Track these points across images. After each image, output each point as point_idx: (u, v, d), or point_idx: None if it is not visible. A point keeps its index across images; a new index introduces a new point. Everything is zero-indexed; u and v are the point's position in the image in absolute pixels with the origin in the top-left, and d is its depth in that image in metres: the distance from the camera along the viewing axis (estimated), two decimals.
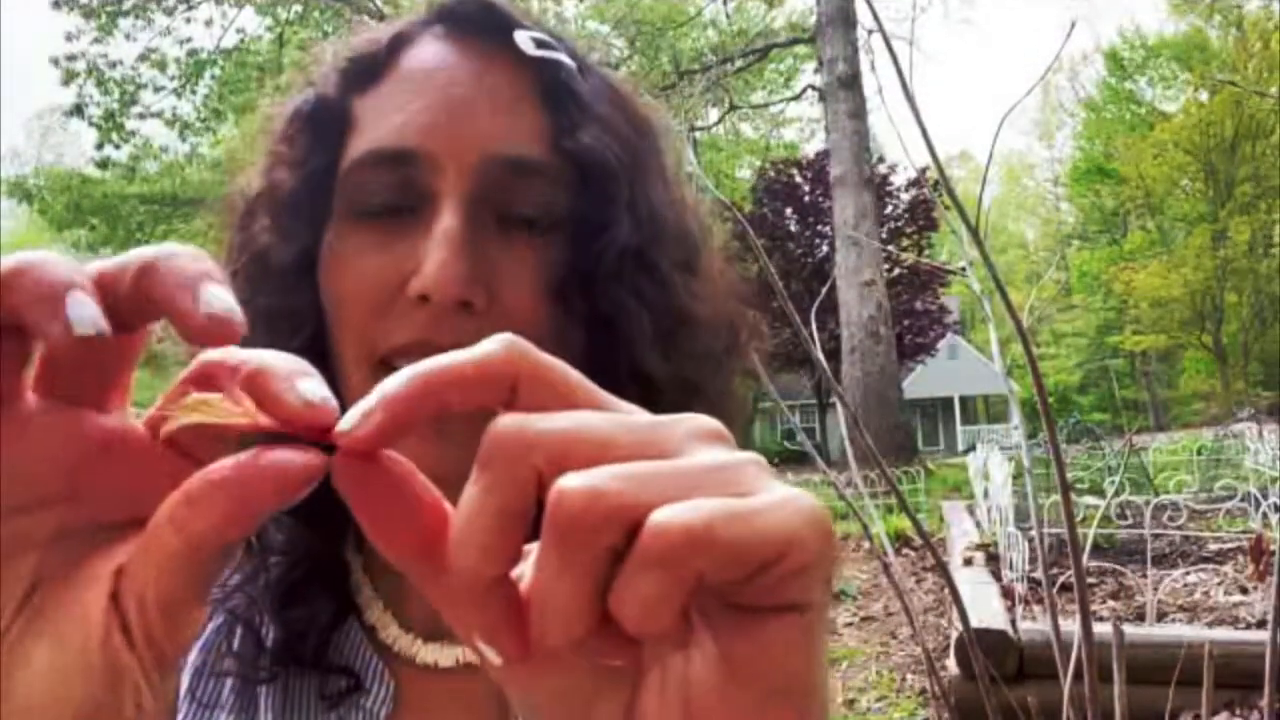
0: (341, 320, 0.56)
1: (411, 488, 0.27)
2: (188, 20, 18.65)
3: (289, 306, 0.57)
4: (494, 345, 0.27)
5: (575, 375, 0.28)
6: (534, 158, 0.56)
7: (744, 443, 0.69)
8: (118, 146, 18.59)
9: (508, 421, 0.26)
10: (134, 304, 0.27)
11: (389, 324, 0.54)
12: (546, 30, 0.61)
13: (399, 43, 0.60)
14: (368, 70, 0.59)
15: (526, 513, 0.25)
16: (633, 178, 0.59)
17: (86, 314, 0.25)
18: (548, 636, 0.25)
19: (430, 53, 0.59)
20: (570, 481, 0.24)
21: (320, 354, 0.57)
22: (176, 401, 0.27)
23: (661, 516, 0.23)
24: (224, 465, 0.26)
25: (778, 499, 0.25)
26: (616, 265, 0.56)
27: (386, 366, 0.53)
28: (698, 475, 0.25)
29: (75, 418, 0.28)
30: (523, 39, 0.58)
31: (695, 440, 0.27)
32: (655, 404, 0.55)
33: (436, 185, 0.54)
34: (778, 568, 0.24)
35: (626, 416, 0.27)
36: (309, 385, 0.27)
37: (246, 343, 0.58)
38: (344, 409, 0.57)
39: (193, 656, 0.60)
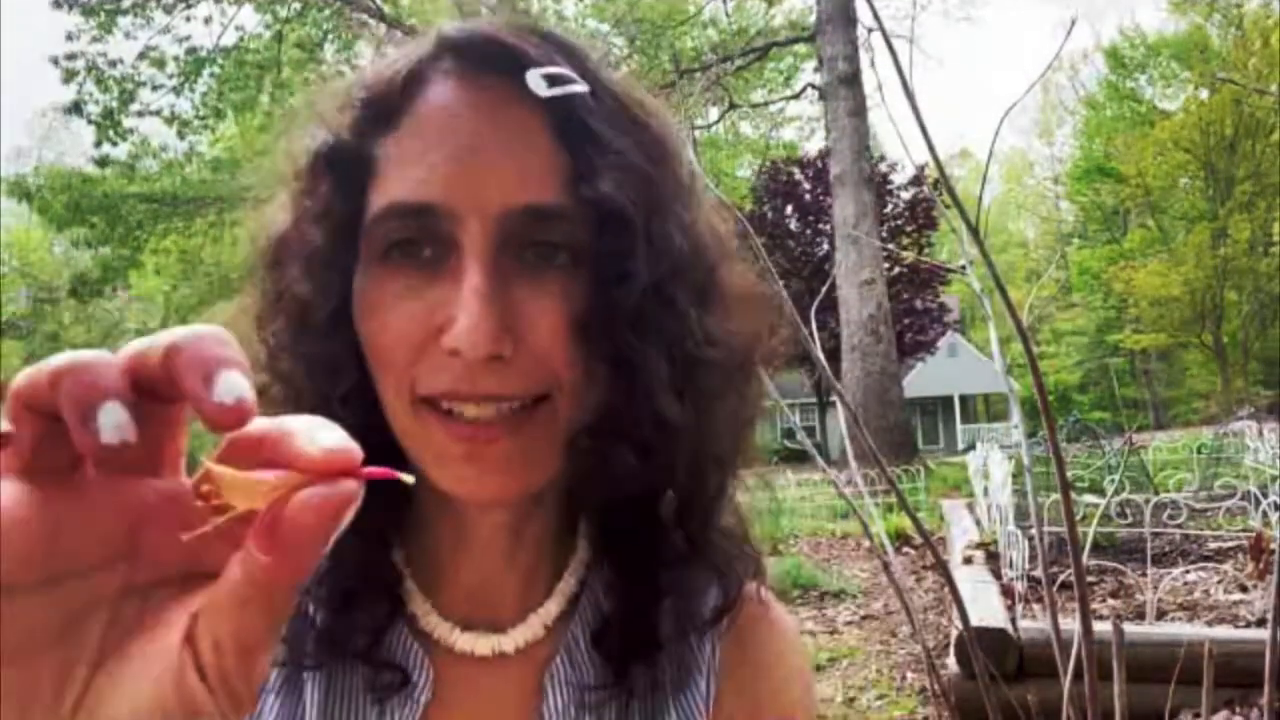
0: (380, 366, 0.58)
1: None
2: (187, 19, 18.65)
3: (329, 353, 0.59)
4: None
5: None
6: (553, 204, 0.57)
7: (753, 440, 0.71)
8: (115, 144, 18.58)
9: None
10: (164, 383, 0.28)
11: (425, 369, 0.56)
12: (556, 43, 0.61)
13: (411, 82, 0.60)
14: (383, 112, 0.60)
15: None
16: (649, 216, 0.59)
17: (113, 421, 0.27)
18: None
19: (444, 95, 0.59)
20: None
21: (365, 393, 0.59)
22: (211, 487, 0.29)
23: None
24: (276, 511, 0.28)
25: None
26: (634, 308, 0.57)
27: (427, 404, 0.56)
28: None
29: (130, 485, 0.30)
30: (534, 79, 0.58)
31: None
32: (671, 440, 0.58)
33: (459, 236, 0.56)
34: None
35: None
36: (327, 435, 0.29)
37: (296, 390, 0.61)
38: (393, 444, 0.58)
39: None
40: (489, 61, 0.59)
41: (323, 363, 0.59)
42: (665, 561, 0.65)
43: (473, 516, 0.63)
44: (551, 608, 0.65)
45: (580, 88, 0.59)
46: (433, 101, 0.59)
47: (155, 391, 0.29)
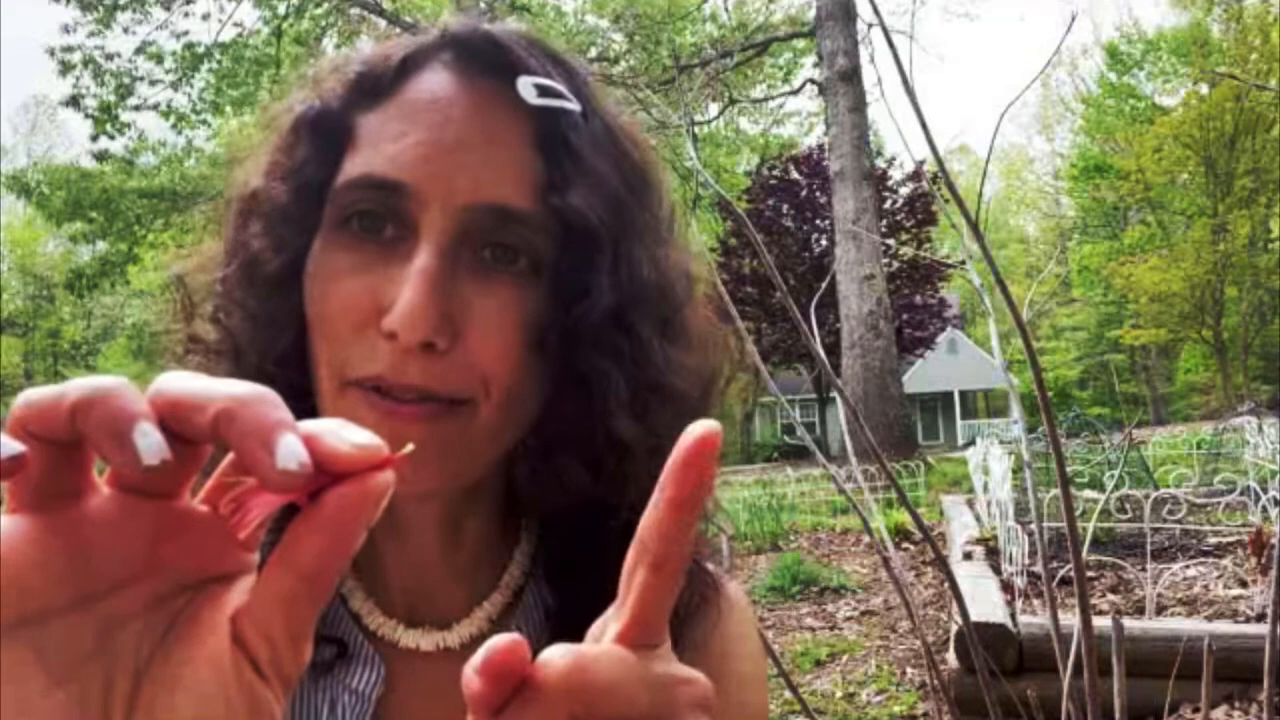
0: (318, 337, 0.58)
1: None
2: (185, 14, 18.61)
3: (277, 310, 0.60)
4: None
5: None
6: (519, 207, 0.57)
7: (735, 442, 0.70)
8: (112, 138, 18.56)
9: (560, 664, 0.30)
10: (208, 438, 0.29)
11: (358, 352, 0.56)
12: (555, 59, 0.62)
13: (408, 65, 0.61)
14: (373, 88, 0.61)
15: None
16: (617, 239, 0.60)
17: (152, 445, 0.28)
18: None
19: (435, 83, 0.60)
20: None
21: (304, 355, 0.59)
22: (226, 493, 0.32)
23: None
24: (315, 508, 0.30)
25: None
26: (594, 326, 0.58)
27: (352, 388, 0.57)
28: None
29: (144, 505, 0.31)
30: (525, 86, 0.59)
31: (692, 712, 0.32)
32: (625, 461, 0.59)
33: (421, 220, 0.56)
34: None
35: (650, 673, 0.31)
36: (354, 433, 0.30)
37: (236, 345, 0.61)
38: (318, 410, 0.57)
39: None
40: (486, 61, 0.60)
41: (267, 319, 0.60)
42: (609, 559, 0.64)
43: (406, 511, 0.63)
44: (496, 600, 0.66)
45: (571, 105, 0.60)
46: (423, 86, 0.60)
47: (180, 433, 0.29)
